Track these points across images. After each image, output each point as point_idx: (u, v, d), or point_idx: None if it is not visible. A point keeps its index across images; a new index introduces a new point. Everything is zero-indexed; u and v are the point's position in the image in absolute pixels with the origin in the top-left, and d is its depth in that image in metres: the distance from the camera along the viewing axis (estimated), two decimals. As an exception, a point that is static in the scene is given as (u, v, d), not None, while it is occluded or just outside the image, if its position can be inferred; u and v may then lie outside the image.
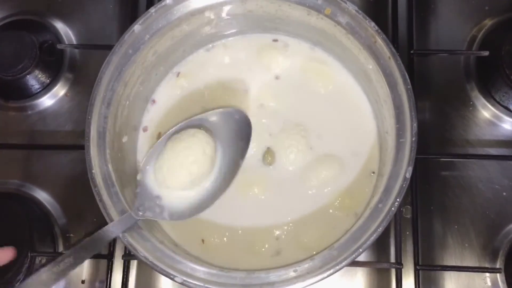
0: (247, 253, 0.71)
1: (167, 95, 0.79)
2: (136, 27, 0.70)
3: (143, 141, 0.77)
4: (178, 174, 0.67)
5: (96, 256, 0.81)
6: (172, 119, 0.77)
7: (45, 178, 0.85)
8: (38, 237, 0.79)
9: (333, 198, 0.72)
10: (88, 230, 0.82)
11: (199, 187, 0.69)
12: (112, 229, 0.62)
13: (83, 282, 0.80)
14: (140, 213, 0.65)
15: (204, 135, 0.69)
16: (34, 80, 0.87)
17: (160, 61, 0.75)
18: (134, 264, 0.80)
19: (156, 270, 0.61)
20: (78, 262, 0.57)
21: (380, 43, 0.66)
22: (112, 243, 0.79)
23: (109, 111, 0.68)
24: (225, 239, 0.72)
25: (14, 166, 0.86)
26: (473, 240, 0.79)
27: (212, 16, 0.74)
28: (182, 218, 0.68)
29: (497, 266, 0.77)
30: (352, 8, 0.68)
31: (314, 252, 0.63)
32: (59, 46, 0.87)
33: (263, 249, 0.71)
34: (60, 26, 0.92)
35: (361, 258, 0.74)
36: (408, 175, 0.62)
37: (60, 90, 0.89)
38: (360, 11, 0.67)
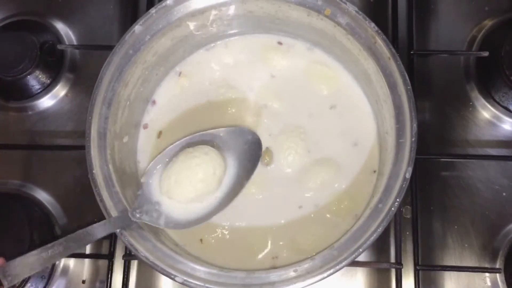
0: (244, 253, 0.71)
1: (168, 95, 0.79)
2: (137, 28, 0.70)
3: (143, 141, 0.77)
4: (183, 188, 0.67)
5: (97, 256, 0.81)
6: (173, 119, 0.77)
7: (45, 179, 0.85)
8: (38, 237, 0.79)
9: (331, 201, 0.72)
10: (89, 230, 0.82)
11: (200, 203, 0.69)
12: (107, 226, 0.62)
13: (83, 282, 0.80)
14: (137, 215, 0.65)
15: (217, 155, 0.69)
16: (35, 80, 0.87)
17: (160, 61, 0.75)
18: (134, 264, 0.80)
19: (156, 270, 0.61)
20: (66, 252, 0.57)
21: (380, 43, 0.67)
22: (113, 244, 0.79)
23: (109, 111, 0.68)
24: (222, 238, 0.72)
25: (15, 167, 0.86)
26: (473, 240, 0.79)
27: (213, 17, 0.74)
28: (177, 228, 0.68)
29: (497, 266, 0.77)
30: (352, 8, 0.68)
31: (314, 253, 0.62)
32: (59, 47, 0.87)
33: (260, 249, 0.71)
34: (60, 26, 0.92)
35: (361, 258, 0.74)
36: (408, 175, 0.62)
37: (60, 91, 0.89)
38: (360, 12, 0.67)
